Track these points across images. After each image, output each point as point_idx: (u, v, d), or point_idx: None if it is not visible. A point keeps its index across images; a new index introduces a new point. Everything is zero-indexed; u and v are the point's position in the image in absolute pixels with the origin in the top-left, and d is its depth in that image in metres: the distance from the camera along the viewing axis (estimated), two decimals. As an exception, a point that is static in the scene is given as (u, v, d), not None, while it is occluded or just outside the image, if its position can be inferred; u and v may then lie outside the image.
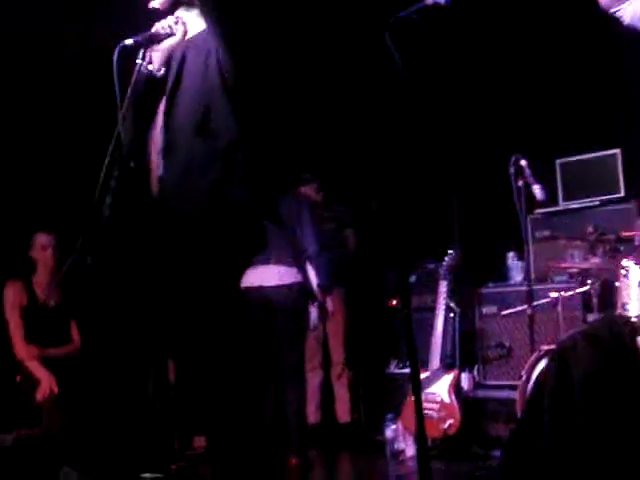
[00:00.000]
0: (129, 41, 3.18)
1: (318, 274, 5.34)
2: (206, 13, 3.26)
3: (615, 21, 3.44)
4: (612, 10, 3.41)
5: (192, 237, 3.18)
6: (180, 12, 3.41)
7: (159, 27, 3.34)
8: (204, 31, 3.33)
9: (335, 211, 6.20)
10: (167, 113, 3.33)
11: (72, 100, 5.81)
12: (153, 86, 3.37)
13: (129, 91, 3.18)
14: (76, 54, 5.59)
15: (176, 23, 3.36)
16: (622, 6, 3.37)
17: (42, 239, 5.34)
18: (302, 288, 5.29)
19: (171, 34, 3.36)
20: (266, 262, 5.07)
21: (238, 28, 3.22)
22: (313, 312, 5.43)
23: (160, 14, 3.41)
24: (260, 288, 5.12)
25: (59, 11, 5.44)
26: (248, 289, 5.02)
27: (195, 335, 3.30)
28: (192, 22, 3.38)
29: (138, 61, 3.21)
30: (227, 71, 3.20)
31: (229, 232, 3.17)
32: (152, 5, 3.41)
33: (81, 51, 5.55)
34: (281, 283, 5.20)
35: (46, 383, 5.04)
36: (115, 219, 3.29)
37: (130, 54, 3.21)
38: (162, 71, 3.37)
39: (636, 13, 3.36)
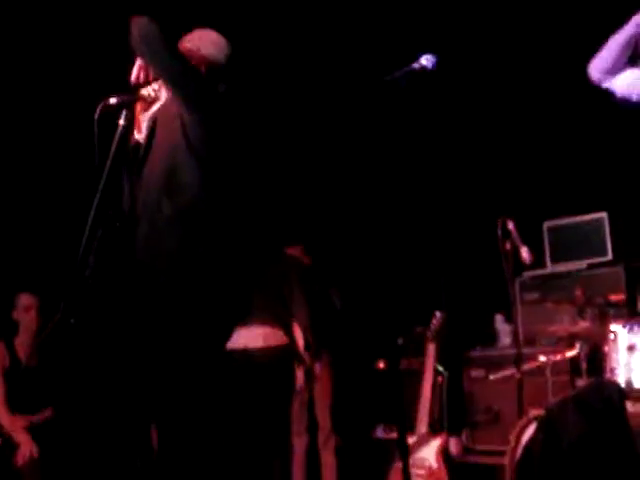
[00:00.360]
0: (112, 100, 3.20)
1: (306, 337, 5.30)
2: (165, 79, 3.29)
3: (607, 94, 3.47)
4: (604, 85, 3.44)
5: (170, 298, 3.16)
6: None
7: (144, 92, 3.36)
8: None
9: (319, 272, 6.15)
10: (139, 174, 3.34)
11: (54, 159, 5.80)
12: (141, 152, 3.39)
13: (112, 152, 3.19)
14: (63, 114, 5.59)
15: (159, 89, 3.39)
16: (612, 81, 3.39)
17: (25, 300, 5.30)
18: (288, 350, 5.23)
19: (155, 99, 3.38)
20: (250, 323, 5.02)
21: (199, 91, 3.24)
22: (299, 374, 5.36)
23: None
24: (244, 350, 5.06)
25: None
26: (232, 351, 4.96)
27: (178, 399, 3.26)
28: None
29: (120, 122, 3.21)
30: (191, 131, 3.23)
31: (207, 292, 3.15)
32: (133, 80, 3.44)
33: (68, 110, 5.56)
34: (266, 345, 5.14)
35: (26, 447, 4.97)
36: (98, 280, 3.27)
37: (112, 112, 3.23)
38: None
39: (627, 83, 3.38)
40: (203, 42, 3.46)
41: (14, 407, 5.14)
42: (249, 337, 5.05)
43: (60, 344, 5.24)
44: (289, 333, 5.27)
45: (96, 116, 3.17)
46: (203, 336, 3.19)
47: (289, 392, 5.35)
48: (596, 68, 3.42)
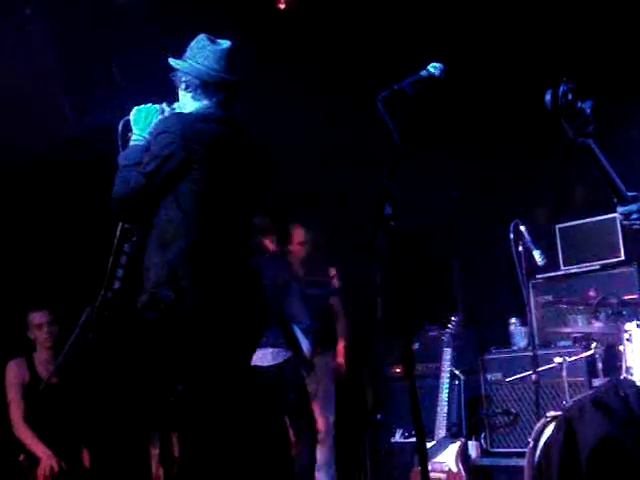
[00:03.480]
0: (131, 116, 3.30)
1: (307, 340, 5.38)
2: None
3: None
4: None
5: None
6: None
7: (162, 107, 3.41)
8: None
9: (321, 276, 6.11)
10: None
11: (69, 177, 5.83)
12: None
13: None
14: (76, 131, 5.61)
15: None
16: None
17: (35, 318, 5.34)
18: (293, 362, 5.32)
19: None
20: (264, 346, 5.09)
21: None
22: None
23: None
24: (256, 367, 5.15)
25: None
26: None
27: (199, 409, 3.29)
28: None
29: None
30: None
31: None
32: None
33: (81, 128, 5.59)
34: (275, 362, 5.26)
35: (47, 461, 5.00)
36: (125, 293, 3.31)
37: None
38: None
39: None
40: (200, 52, 3.48)
41: (34, 423, 5.17)
42: (260, 356, 5.12)
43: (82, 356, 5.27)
44: (292, 343, 5.34)
45: (119, 131, 3.27)
46: (224, 355, 3.23)
47: (304, 400, 5.41)
48: None
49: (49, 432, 5.14)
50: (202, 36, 3.48)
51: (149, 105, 3.40)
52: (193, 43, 3.50)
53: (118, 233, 3.24)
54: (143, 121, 3.37)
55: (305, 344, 5.36)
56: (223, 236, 3.32)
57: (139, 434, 3.35)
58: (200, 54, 3.43)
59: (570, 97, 2.86)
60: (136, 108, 3.38)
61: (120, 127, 3.32)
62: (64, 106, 5.31)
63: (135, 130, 3.36)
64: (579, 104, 2.87)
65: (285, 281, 5.40)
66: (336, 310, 6.08)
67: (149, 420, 3.45)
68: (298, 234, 5.99)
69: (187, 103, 3.45)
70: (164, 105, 3.44)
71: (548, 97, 2.86)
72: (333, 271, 6.03)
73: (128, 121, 3.36)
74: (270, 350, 5.25)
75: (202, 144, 3.26)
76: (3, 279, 5.64)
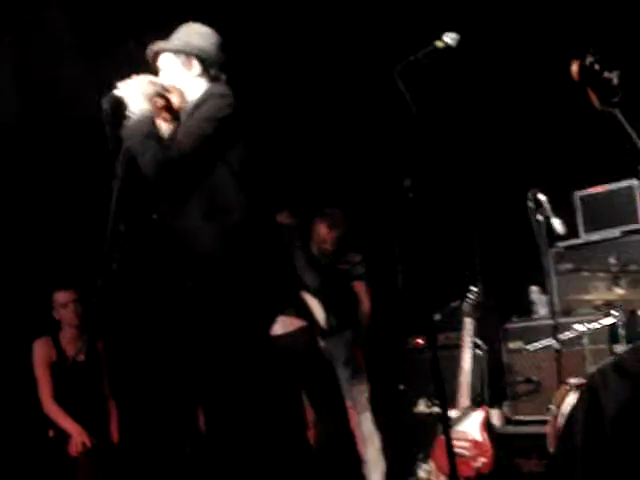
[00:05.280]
0: (117, 92, 3.26)
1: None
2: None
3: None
4: None
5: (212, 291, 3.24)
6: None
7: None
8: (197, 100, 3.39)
9: (348, 262, 6.07)
10: None
11: (95, 158, 5.83)
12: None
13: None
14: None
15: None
16: None
17: (60, 297, 5.38)
18: (307, 331, 5.28)
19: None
20: None
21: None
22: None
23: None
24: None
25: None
26: None
27: (224, 384, 3.32)
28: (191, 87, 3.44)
29: (129, 113, 3.25)
30: (231, 155, 3.27)
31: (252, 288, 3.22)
32: None
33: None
34: (286, 331, 5.21)
35: (78, 437, 5.06)
36: (127, 272, 3.33)
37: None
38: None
39: None
40: (190, 35, 3.49)
41: (62, 400, 5.24)
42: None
43: (106, 334, 5.33)
44: (304, 311, 5.31)
45: (105, 107, 3.19)
46: (246, 324, 3.27)
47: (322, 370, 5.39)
48: None
49: (77, 409, 5.20)
50: (191, 24, 3.51)
51: (137, 78, 3.29)
52: (184, 28, 3.51)
53: (113, 211, 3.21)
54: (139, 94, 3.26)
55: (318, 312, 5.33)
56: (264, 207, 3.38)
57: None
58: (192, 35, 3.46)
59: (597, 67, 2.86)
60: (124, 83, 3.27)
61: (108, 105, 3.20)
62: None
63: (131, 105, 3.25)
64: (606, 74, 2.88)
65: (291, 248, 5.37)
66: (359, 295, 6.03)
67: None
68: (321, 229, 5.90)
69: (193, 84, 3.44)
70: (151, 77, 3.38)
71: (575, 67, 2.86)
72: (358, 257, 5.99)
73: (115, 98, 3.24)
74: (279, 319, 5.19)
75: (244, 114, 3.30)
76: (28, 259, 5.68)
